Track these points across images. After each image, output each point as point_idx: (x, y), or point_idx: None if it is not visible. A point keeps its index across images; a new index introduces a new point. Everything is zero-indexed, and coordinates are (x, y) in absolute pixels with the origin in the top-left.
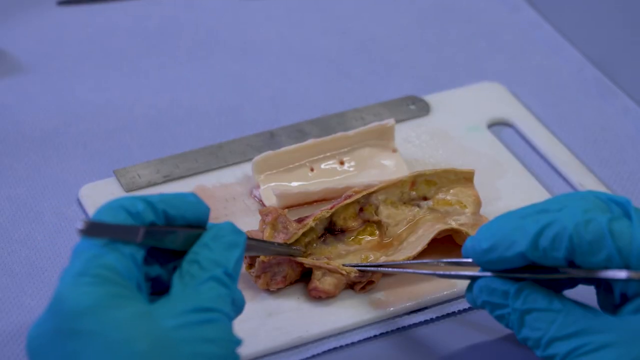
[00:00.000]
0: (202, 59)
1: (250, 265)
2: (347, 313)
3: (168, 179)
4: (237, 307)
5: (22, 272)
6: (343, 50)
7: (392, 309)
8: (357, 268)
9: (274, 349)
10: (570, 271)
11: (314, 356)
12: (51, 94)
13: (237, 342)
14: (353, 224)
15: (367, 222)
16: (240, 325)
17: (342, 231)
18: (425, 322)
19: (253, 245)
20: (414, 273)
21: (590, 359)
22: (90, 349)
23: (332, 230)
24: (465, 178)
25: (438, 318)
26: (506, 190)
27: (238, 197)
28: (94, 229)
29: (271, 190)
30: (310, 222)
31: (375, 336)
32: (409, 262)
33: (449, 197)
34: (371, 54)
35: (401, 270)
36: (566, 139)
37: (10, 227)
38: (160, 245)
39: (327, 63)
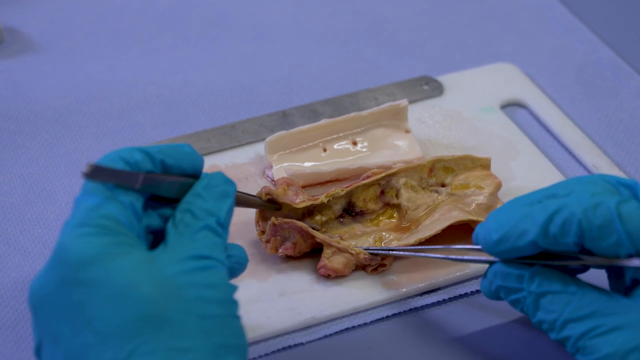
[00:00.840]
0: (215, 38)
1: (263, 232)
2: (360, 294)
3: None
4: (240, 264)
5: (35, 250)
6: (356, 30)
7: (404, 290)
8: (369, 251)
9: (287, 329)
10: (585, 258)
11: (326, 336)
12: (64, 73)
13: (234, 287)
14: (373, 206)
15: (387, 205)
16: (253, 306)
17: (362, 213)
18: (438, 303)
19: (239, 197)
20: (426, 257)
21: (604, 341)
22: (98, 297)
23: (350, 211)
24: (482, 165)
25: (450, 299)
26: (519, 172)
27: (250, 177)
28: (97, 172)
29: (284, 170)
30: (322, 198)
31: (387, 317)
32: (420, 247)
33: (467, 182)
34: (384, 34)
35: (413, 254)
36: (580, 120)
37: (23, 206)
38: (157, 192)
39: (341, 43)
